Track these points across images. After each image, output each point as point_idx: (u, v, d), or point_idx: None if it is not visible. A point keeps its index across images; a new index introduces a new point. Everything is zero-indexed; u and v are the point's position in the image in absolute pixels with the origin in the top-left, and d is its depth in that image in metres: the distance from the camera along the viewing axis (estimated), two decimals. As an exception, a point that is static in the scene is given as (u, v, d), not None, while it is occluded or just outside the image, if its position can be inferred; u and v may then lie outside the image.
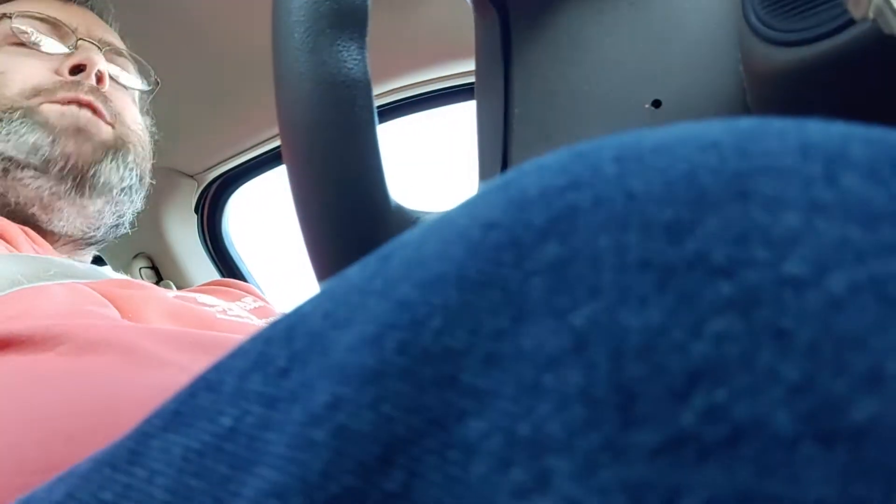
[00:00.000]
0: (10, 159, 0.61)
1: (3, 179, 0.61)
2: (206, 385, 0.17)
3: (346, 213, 0.30)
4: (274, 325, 0.17)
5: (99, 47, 0.68)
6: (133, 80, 0.73)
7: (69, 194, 0.62)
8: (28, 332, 0.43)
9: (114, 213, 0.66)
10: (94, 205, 0.64)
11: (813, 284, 0.11)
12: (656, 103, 0.38)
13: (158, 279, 1.15)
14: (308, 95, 0.29)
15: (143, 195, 0.70)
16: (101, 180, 0.63)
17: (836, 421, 0.11)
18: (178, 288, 0.79)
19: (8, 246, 0.56)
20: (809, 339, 0.11)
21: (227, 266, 1.18)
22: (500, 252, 0.14)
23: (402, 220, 0.32)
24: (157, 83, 0.76)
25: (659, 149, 0.14)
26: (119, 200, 0.66)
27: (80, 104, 0.63)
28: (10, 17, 0.67)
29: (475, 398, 0.13)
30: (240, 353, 0.17)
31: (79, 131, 0.62)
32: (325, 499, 0.13)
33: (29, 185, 0.61)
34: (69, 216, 0.63)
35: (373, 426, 0.13)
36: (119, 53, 0.73)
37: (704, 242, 0.12)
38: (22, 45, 0.66)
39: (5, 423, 0.37)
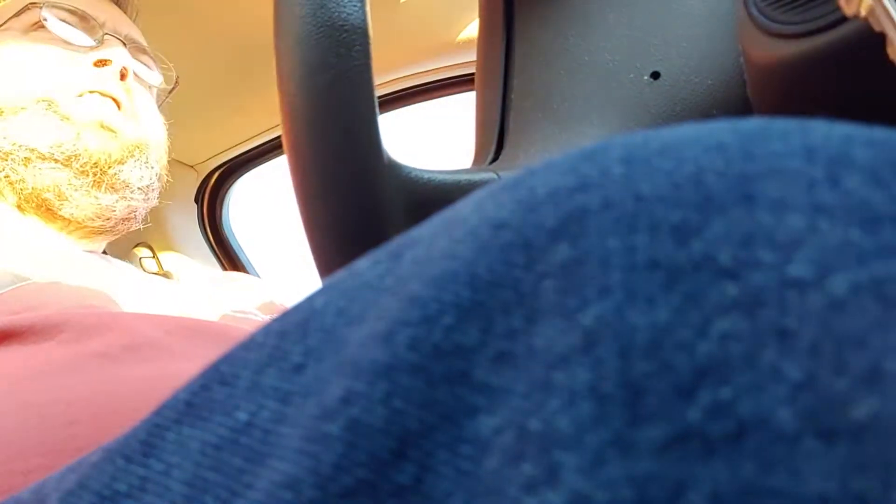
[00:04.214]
0: (32, 150, 0.61)
1: (25, 168, 0.62)
2: (220, 378, 0.17)
3: (338, 158, 0.29)
4: (286, 319, 0.17)
5: (124, 43, 0.69)
6: (154, 77, 0.74)
7: (86, 187, 0.63)
8: (29, 322, 0.43)
9: (126, 209, 0.67)
10: (108, 199, 0.64)
11: (815, 286, 0.12)
12: (655, 75, 0.38)
13: (159, 269, 1.15)
14: (306, 37, 0.29)
15: (157, 193, 0.70)
16: (122, 178, 0.64)
17: (837, 418, 0.11)
18: (179, 278, 0.79)
19: (15, 236, 0.56)
20: (811, 339, 0.11)
21: (227, 256, 1.18)
22: (510, 253, 0.14)
23: (395, 173, 0.31)
24: (177, 82, 0.77)
25: (665, 150, 0.14)
26: (133, 198, 0.67)
27: (103, 96, 0.64)
28: (40, 7, 0.67)
29: (487, 395, 0.13)
30: (253, 346, 0.17)
31: (103, 127, 0.63)
32: (338, 491, 0.14)
33: (48, 174, 0.62)
34: (81, 205, 0.63)
35: (385, 420, 0.14)
36: (142, 50, 0.73)
37: (711, 244, 0.13)
38: (48, 35, 0.67)
39: (6, 409, 0.37)
